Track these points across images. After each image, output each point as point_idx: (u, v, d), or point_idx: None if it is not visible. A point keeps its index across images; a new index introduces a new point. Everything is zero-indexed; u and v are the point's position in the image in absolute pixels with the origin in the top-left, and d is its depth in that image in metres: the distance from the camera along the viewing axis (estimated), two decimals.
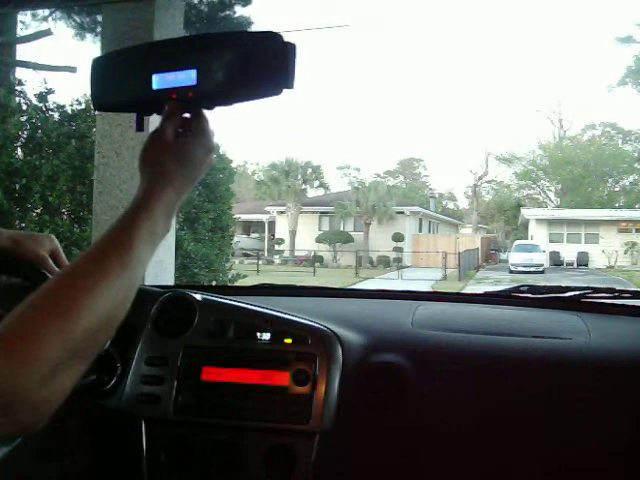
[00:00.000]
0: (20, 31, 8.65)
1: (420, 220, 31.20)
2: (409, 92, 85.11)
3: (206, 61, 0.79)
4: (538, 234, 29.25)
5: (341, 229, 28.79)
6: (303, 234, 27.80)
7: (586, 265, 27.13)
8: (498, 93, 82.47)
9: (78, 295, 0.63)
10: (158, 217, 0.74)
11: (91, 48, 8.06)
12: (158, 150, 0.78)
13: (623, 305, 1.50)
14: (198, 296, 1.33)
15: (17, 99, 5.80)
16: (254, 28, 7.83)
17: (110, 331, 0.68)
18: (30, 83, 7.66)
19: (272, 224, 31.19)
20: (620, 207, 37.00)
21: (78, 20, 7.97)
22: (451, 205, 54.81)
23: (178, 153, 0.78)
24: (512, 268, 23.52)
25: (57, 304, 0.62)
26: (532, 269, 22.88)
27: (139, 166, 0.79)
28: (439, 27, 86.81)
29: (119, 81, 0.86)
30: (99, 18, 6.76)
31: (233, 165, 8.51)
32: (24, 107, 5.81)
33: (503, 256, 30.77)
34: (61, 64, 8.15)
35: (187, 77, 0.79)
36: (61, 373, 0.60)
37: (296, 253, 27.54)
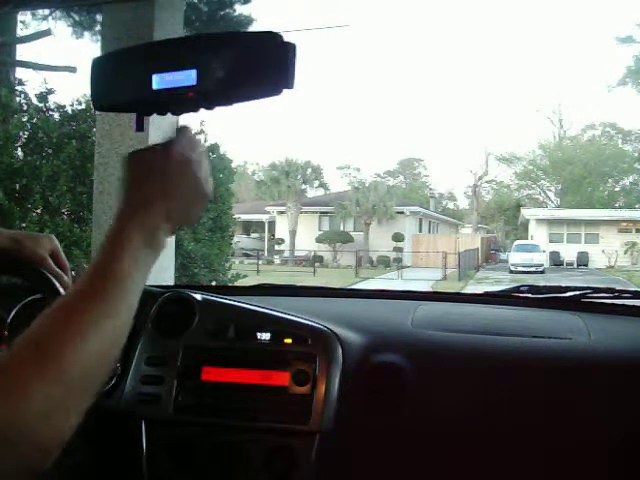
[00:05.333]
0: (20, 31, 8.64)
1: (420, 220, 31.20)
2: (409, 92, 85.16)
3: (206, 61, 0.78)
4: (538, 234, 29.26)
5: (341, 229, 28.79)
6: (303, 234, 27.80)
7: (586, 265, 27.13)
8: (498, 93, 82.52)
9: (72, 336, 0.61)
10: (139, 247, 0.69)
11: (90, 48, 8.06)
12: (142, 173, 0.75)
13: (623, 305, 1.50)
14: (198, 296, 1.33)
15: (17, 99, 5.79)
16: (254, 27, 7.84)
17: (106, 368, 0.66)
18: (30, 83, 7.65)
19: (272, 224, 31.20)
20: (620, 207, 37.02)
21: (78, 20, 7.97)
22: (451, 205, 54.75)
23: (164, 178, 0.75)
24: (512, 268, 23.53)
25: (51, 345, 0.60)
26: (532, 269, 22.90)
27: (120, 187, 0.74)
28: (439, 27, 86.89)
29: (119, 81, 0.85)
30: (99, 18, 6.76)
31: (233, 165, 8.49)
32: (24, 107, 5.81)
33: (503, 256, 30.76)
34: (61, 64, 8.15)
35: (187, 77, 0.78)
36: (62, 410, 0.60)
37: (296, 253, 27.53)
